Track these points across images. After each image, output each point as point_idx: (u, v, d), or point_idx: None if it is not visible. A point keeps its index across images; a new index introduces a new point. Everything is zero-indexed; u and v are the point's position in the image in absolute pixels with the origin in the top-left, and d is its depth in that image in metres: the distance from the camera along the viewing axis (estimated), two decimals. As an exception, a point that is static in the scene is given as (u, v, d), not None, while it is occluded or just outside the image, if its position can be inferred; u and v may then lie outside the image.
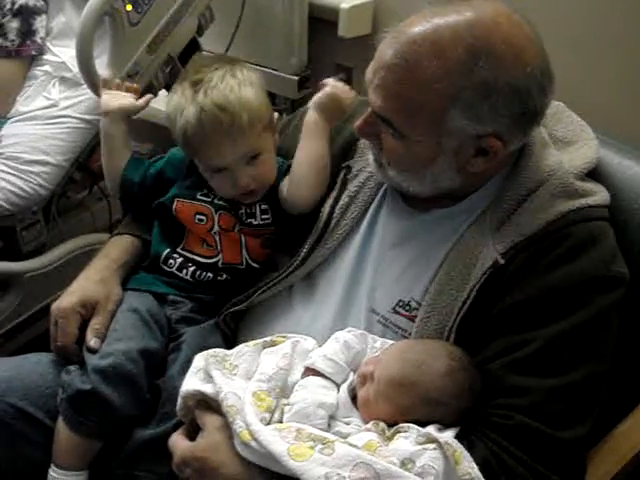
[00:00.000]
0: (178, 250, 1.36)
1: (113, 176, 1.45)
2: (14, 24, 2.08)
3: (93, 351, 1.25)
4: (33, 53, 2.09)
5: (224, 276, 1.34)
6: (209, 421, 1.11)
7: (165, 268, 1.36)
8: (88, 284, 1.34)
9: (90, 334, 1.28)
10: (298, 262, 1.29)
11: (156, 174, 1.42)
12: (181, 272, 1.35)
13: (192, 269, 1.34)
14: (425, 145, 1.14)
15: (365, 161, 1.32)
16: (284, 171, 1.37)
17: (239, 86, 1.28)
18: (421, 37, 1.09)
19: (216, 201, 1.35)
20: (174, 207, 1.36)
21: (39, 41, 2.10)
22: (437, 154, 1.14)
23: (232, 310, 1.31)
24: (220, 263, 1.34)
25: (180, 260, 1.35)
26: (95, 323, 1.29)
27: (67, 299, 1.32)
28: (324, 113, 1.34)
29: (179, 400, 1.15)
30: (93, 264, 1.39)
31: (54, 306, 1.32)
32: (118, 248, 1.42)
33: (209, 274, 1.34)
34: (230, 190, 1.33)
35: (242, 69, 1.32)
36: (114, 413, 1.20)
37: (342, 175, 1.33)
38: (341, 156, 1.35)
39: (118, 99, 1.46)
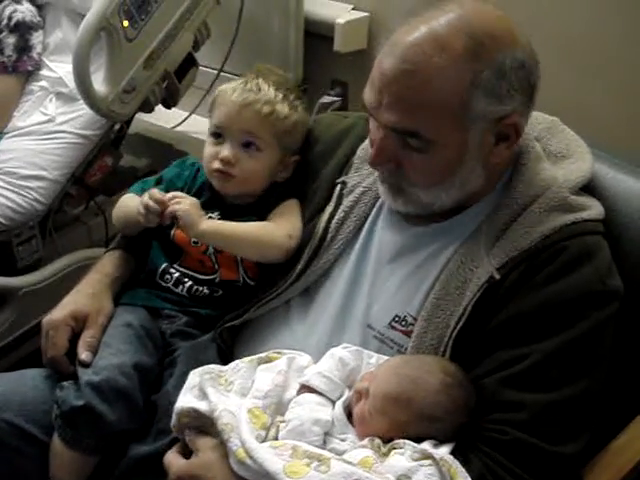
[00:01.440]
0: (175, 266, 1.36)
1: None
2: (11, 39, 2.09)
3: (85, 365, 1.25)
4: (29, 68, 2.10)
5: (220, 292, 1.35)
6: (202, 442, 1.11)
7: (161, 283, 1.36)
8: (79, 297, 1.34)
9: (82, 347, 1.28)
10: (294, 277, 1.29)
11: None
12: (177, 287, 1.35)
13: (189, 284, 1.35)
14: (453, 146, 1.13)
15: (360, 176, 1.32)
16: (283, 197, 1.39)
17: (283, 101, 1.38)
18: (420, 39, 1.10)
19: (209, 214, 1.35)
20: (173, 232, 1.36)
21: (35, 56, 2.11)
22: (464, 153, 1.14)
23: (228, 325, 1.31)
24: (217, 280, 1.35)
25: (177, 275, 1.35)
26: (86, 336, 1.29)
27: (58, 312, 1.32)
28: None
29: (173, 417, 1.14)
30: (86, 279, 1.40)
31: (45, 319, 1.32)
32: (111, 263, 1.42)
33: (205, 290, 1.34)
34: (212, 161, 1.36)
35: (300, 103, 1.42)
36: (109, 428, 1.20)
37: (338, 190, 1.33)
38: (337, 172, 1.35)
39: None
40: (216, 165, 1.36)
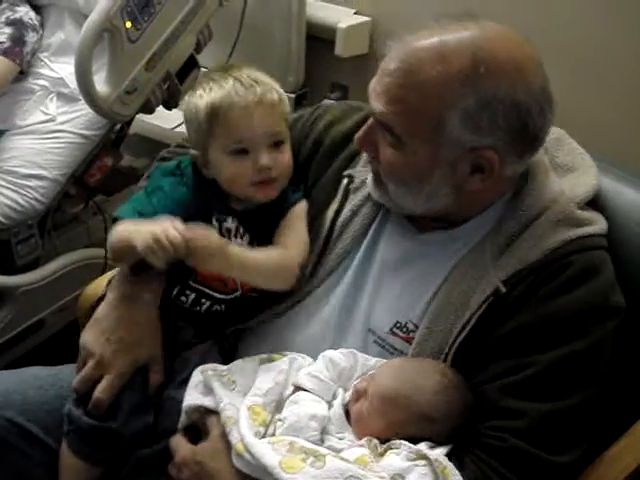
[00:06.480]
0: (190, 283, 1.26)
1: None
2: (7, 30, 2.07)
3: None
4: (17, 61, 2.06)
5: (234, 305, 1.29)
6: (216, 425, 1.12)
7: (177, 303, 1.28)
8: (134, 338, 1.23)
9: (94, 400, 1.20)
10: (306, 279, 1.26)
11: None
12: (194, 308, 1.28)
13: (206, 305, 1.27)
14: (423, 155, 1.13)
15: (367, 171, 1.28)
16: (294, 200, 1.31)
17: (271, 79, 1.28)
18: (426, 45, 1.11)
19: (225, 224, 1.27)
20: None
21: (26, 55, 2.08)
22: (434, 166, 1.13)
23: (233, 328, 1.29)
24: (239, 295, 1.28)
25: (193, 296, 1.27)
26: (101, 391, 1.20)
27: (124, 357, 1.21)
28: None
29: (183, 416, 1.15)
30: (134, 309, 1.25)
31: (102, 353, 1.21)
32: (153, 291, 1.28)
33: (223, 306, 1.29)
34: (249, 174, 1.23)
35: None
36: (122, 441, 1.19)
37: (344, 184, 1.30)
38: (345, 166, 1.32)
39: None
40: (258, 178, 1.24)
